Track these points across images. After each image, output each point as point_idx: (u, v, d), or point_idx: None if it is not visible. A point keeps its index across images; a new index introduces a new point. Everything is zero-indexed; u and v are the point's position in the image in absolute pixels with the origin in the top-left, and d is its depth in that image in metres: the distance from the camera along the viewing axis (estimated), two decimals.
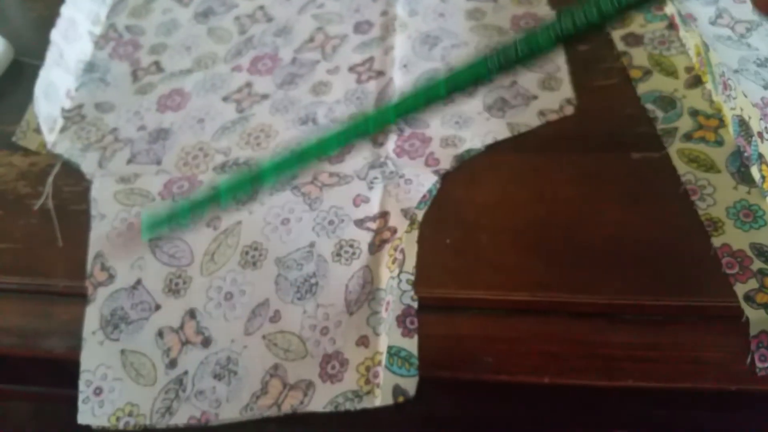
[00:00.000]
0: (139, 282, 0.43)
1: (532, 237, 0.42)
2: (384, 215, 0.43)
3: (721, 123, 0.47)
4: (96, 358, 0.41)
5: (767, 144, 0.41)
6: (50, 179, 0.49)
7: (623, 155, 0.46)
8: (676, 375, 0.39)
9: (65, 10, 0.58)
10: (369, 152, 0.48)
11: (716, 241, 0.41)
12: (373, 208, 0.44)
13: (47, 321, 0.43)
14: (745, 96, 0.42)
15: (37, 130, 0.51)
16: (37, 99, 0.51)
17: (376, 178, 0.45)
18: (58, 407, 0.49)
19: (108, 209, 0.46)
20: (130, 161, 0.49)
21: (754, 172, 0.43)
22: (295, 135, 0.50)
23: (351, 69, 0.54)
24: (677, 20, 0.53)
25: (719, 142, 0.46)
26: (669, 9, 0.54)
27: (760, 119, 0.41)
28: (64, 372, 0.42)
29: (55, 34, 0.56)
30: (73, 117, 0.53)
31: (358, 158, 0.47)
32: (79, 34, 0.59)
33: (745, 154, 0.44)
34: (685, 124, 0.47)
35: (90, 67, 0.58)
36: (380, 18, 0.57)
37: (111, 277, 0.43)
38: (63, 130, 0.52)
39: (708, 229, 0.42)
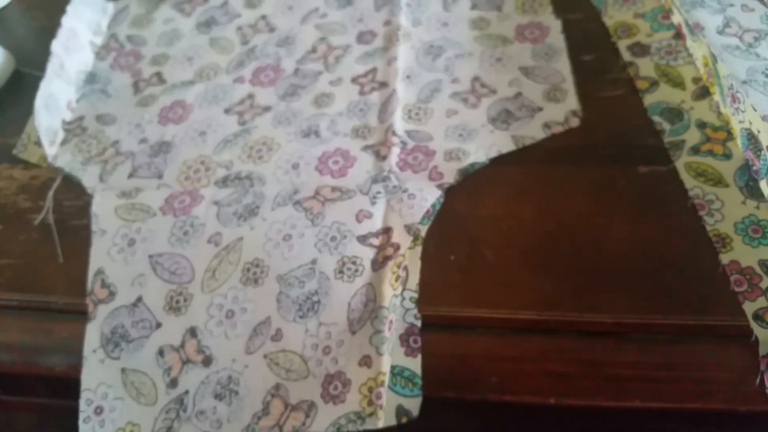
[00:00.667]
0: (139, 299, 0.42)
1: (538, 253, 0.42)
2: (387, 231, 0.43)
3: (729, 135, 0.46)
4: (96, 376, 0.41)
5: None
6: (51, 193, 0.48)
7: (630, 168, 0.45)
8: (684, 395, 0.38)
9: (66, 21, 0.58)
10: (372, 165, 0.47)
11: (724, 258, 0.40)
12: (376, 223, 0.43)
13: (48, 338, 0.43)
14: (755, 109, 0.41)
15: (38, 143, 0.51)
16: (38, 111, 0.51)
17: (378, 192, 0.45)
18: (62, 417, 0.48)
19: (109, 225, 0.46)
20: (131, 175, 0.49)
21: (763, 186, 0.42)
22: (298, 148, 0.49)
23: (354, 80, 0.53)
24: (684, 30, 0.52)
25: (727, 155, 0.45)
26: (676, 18, 0.53)
27: None
28: (67, 385, 0.42)
29: (56, 45, 0.55)
30: (74, 129, 0.53)
31: (361, 171, 0.47)
32: (80, 45, 0.58)
33: (754, 168, 0.43)
34: (692, 136, 0.46)
35: (91, 78, 0.57)
36: (383, 28, 0.57)
37: (111, 294, 0.42)
38: (64, 142, 0.52)
39: (716, 246, 0.41)
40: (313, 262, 0.42)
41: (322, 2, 0.60)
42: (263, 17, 0.60)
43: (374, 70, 0.54)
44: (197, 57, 0.58)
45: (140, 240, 0.45)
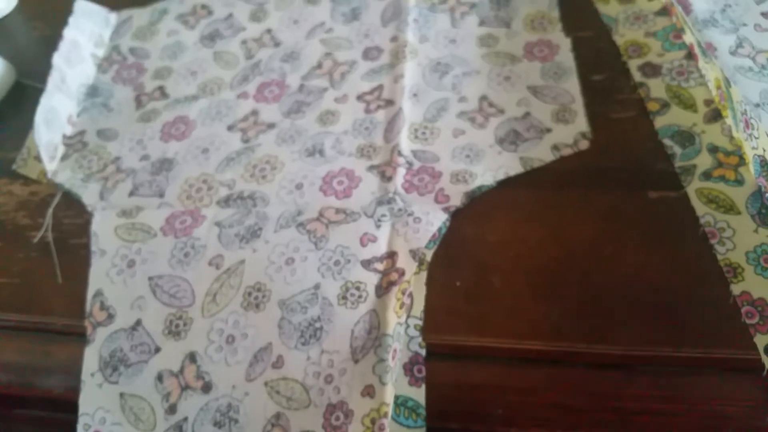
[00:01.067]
0: (138, 323, 0.41)
1: (546, 281, 0.41)
2: (392, 255, 0.42)
3: (742, 161, 0.45)
4: (94, 401, 0.40)
5: None
6: (50, 210, 0.48)
7: (641, 194, 0.44)
8: (694, 429, 0.37)
9: (68, 32, 0.57)
10: (377, 186, 0.46)
11: (735, 288, 0.39)
12: (381, 247, 0.43)
13: (46, 360, 0.42)
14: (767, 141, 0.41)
15: (38, 158, 0.51)
16: (38, 126, 0.50)
17: (384, 215, 0.44)
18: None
19: (108, 245, 0.45)
20: (132, 193, 0.48)
21: None
22: (302, 167, 0.48)
23: (359, 97, 0.53)
24: (696, 50, 0.51)
25: (739, 181, 0.44)
26: (687, 38, 0.52)
27: None
28: (65, 404, 0.41)
29: (57, 58, 0.55)
30: (75, 144, 0.52)
31: (366, 192, 0.46)
32: (81, 57, 0.58)
33: (767, 195, 0.42)
34: (703, 161, 0.45)
35: (93, 91, 0.57)
36: (390, 44, 0.56)
37: (110, 317, 0.42)
38: (64, 158, 0.52)
39: (727, 275, 0.40)
40: (316, 287, 0.41)
41: (328, 16, 0.59)
42: (268, 31, 0.59)
43: (380, 88, 0.53)
44: (201, 71, 0.57)
45: (140, 261, 0.44)
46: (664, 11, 0.55)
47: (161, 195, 0.48)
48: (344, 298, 0.40)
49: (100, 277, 0.43)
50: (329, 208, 0.45)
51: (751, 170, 0.44)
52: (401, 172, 0.47)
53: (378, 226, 0.44)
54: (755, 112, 0.44)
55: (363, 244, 0.43)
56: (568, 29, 0.55)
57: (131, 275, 0.43)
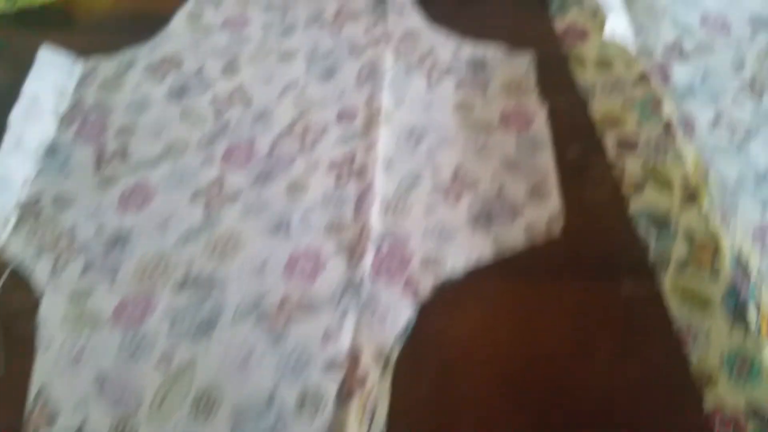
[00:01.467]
0: (81, 428, 0.39)
1: (516, 386, 0.39)
2: (355, 356, 0.40)
3: (718, 249, 0.43)
4: None
5: (765, 289, 0.38)
6: None
7: (614, 285, 0.43)
8: None
9: (28, 87, 0.55)
10: (344, 270, 0.44)
11: (709, 398, 0.38)
12: (344, 345, 0.41)
13: None
14: (746, 240, 0.39)
15: None
16: None
17: (348, 308, 0.42)
18: None
19: (55, 334, 0.43)
20: (84, 272, 0.46)
21: (751, 313, 0.40)
22: (266, 245, 0.46)
23: (330, 166, 0.51)
24: (674, 124, 0.49)
25: (715, 272, 0.42)
26: (666, 108, 0.50)
27: (759, 257, 0.39)
28: None
29: (14, 117, 0.52)
30: (29, 212, 0.49)
31: (332, 278, 0.44)
32: (41, 113, 0.55)
33: (742, 292, 0.41)
34: (679, 250, 0.44)
35: (52, 150, 0.54)
36: (365, 106, 0.54)
37: (52, 419, 0.39)
38: (17, 226, 0.49)
39: (700, 383, 0.39)
40: (272, 392, 0.39)
41: (302, 74, 0.57)
42: (239, 88, 0.57)
43: (353, 156, 0.51)
44: (166, 130, 0.54)
45: (87, 355, 0.42)
46: (643, 79, 0.53)
47: (114, 275, 0.46)
48: (302, 405, 0.39)
49: (44, 371, 0.41)
50: (292, 295, 0.43)
51: (726, 261, 0.43)
52: (370, 254, 0.45)
53: (341, 320, 0.42)
54: (733, 198, 0.43)
55: (325, 342, 0.41)
56: (544, 95, 0.54)
57: (77, 371, 0.41)
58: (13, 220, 0.49)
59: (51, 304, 0.44)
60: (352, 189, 0.49)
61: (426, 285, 0.43)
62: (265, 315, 0.42)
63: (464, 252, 0.45)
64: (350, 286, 0.43)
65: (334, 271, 0.45)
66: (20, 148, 0.52)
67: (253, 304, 0.43)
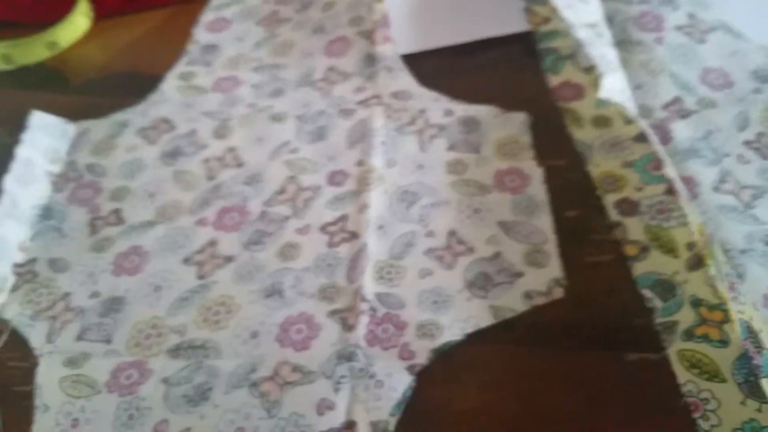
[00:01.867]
0: None
1: None
2: (351, 427, 0.39)
3: (726, 316, 0.42)
4: None
5: None
6: None
7: (618, 355, 0.41)
8: None
9: (22, 151, 0.54)
10: (337, 337, 0.43)
11: None
12: (339, 416, 0.39)
13: None
14: (756, 309, 0.38)
15: None
16: None
17: (343, 376, 0.41)
18: None
19: (53, 400, 0.42)
20: (79, 337, 0.45)
21: (765, 384, 0.38)
22: (259, 311, 0.45)
23: (323, 228, 0.50)
24: (676, 185, 0.48)
25: (724, 341, 0.41)
26: (668, 168, 0.49)
27: None
28: None
29: (9, 181, 0.52)
30: (25, 274, 0.49)
31: (326, 344, 0.43)
32: (35, 176, 0.55)
33: (754, 362, 0.39)
34: (686, 317, 0.42)
35: (46, 213, 0.53)
36: (356, 168, 0.53)
37: None
38: (13, 289, 0.48)
39: None
40: None
41: (293, 135, 0.57)
42: (231, 150, 0.56)
43: (345, 218, 0.50)
44: (159, 192, 0.54)
45: (84, 421, 0.41)
46: (642, 138, 0.52)
47: (108, 341, 0.45)
48: None
49: None
50: (286, 363, 0.42)
51: (736, 329, 0.41)
52: (364, 320, 0.44)
53: (337, 390, 0.40)
54: (741, 262, 0.41)
55: (320, 413, 0.39)
56: (540, 156, 0.53)
57: None
58: (11, 281, 0.49)
59: (48, 369, 0.43)
60: (344, 251, 0.48)
61: (422, 352, 0.42)
62: (259, 383, 0.41)
63: (461, 318, 0.44)
64: (344, 354, 0.42)
65: (327, 338, 0.43)
66: (16, 211, 0.52)
67: (248, 371, 0.42)
